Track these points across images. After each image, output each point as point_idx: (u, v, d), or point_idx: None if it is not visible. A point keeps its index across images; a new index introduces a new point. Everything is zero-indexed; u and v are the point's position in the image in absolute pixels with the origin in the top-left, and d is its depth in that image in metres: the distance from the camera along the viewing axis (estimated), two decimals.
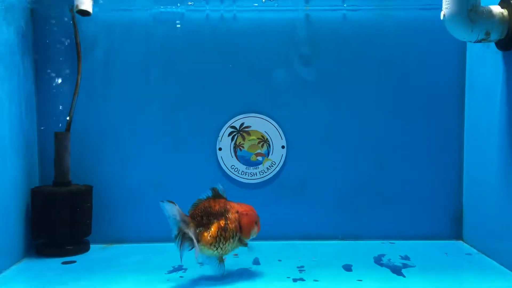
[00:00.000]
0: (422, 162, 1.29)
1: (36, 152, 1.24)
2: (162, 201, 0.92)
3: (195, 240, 0.92)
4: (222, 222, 0.96)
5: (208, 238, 0.94)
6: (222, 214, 0.97)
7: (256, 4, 1.25)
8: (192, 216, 0.95)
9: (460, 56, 1.27)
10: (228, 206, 0.98)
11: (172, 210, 0.92)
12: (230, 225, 0.96)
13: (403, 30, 1.28)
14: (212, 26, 1.26)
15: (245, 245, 1.01)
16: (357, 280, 0.99)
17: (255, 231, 1.01)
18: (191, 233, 0.92)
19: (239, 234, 0.98)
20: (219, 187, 1.01)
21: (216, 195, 1.00)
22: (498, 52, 1.09)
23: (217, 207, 0.97)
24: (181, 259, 0.92)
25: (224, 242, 0.95)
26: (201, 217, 0.95)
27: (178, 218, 0.92)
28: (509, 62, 1.06)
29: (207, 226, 0.95)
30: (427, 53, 1.28)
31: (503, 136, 1.08)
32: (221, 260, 0.98)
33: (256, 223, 1.01)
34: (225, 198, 1.00)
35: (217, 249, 0.95)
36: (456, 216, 1.29)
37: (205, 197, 0.99)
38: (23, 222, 1.15)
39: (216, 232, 0.95)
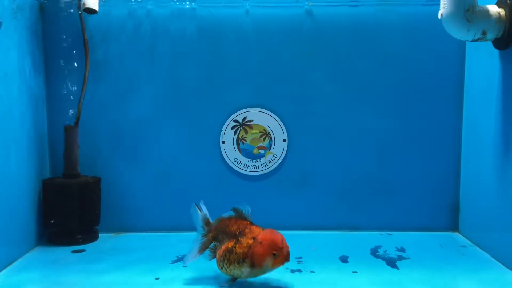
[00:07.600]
0: (421, 155, 1.31)
1: (47, 146, 1.29)
2: (195, 203, 1.00)
3: (196, 248, 0.98)
4: (230, 244, 0.92)
5: (217, 255, 0.95)
6: (235, 236, 0.92)
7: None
8: (213, 229, 0.98)
9: (460, 52, 1.29)
10: (246, 230, 0.92)
11: (196, 214, 1.00)
12: (238, 249, 0.90)
13: (405, 26, 1.29)
14: (221, 23, 1.29)
15: (258, 271, 0.91)
16: (352, 272, 1.03)
17: (269, 263, 0.89)
18: (199, 241, 0.99)
19: (248, 261, 0.90)
20: (245, 208, 0.95)
21: (239, 216, 0.96)
22: (495, 50, 1.10)
23: (233, 228, 0.93)
24: (187, 259, 0.98)
25: (228, 265, 0.91)
26: (218, 233, 0.97)
27: (199, 223, 1.00)
28: (505, 60, 1.08)
29: (221, 243, 0.94)
30: (428, 49, 1.29)
31: (499, 131, 1.10)
32: (233, 279, 0.94)
33: (274, 254, 0.88)
34: (250, 221, 0.95)
35: (221, 268, 0.93)
36: (453, 208, 1.32)
37: (227, 216, 0.97)
38: (36, 212, 1.21)
39: (222, 252, 0.93)
